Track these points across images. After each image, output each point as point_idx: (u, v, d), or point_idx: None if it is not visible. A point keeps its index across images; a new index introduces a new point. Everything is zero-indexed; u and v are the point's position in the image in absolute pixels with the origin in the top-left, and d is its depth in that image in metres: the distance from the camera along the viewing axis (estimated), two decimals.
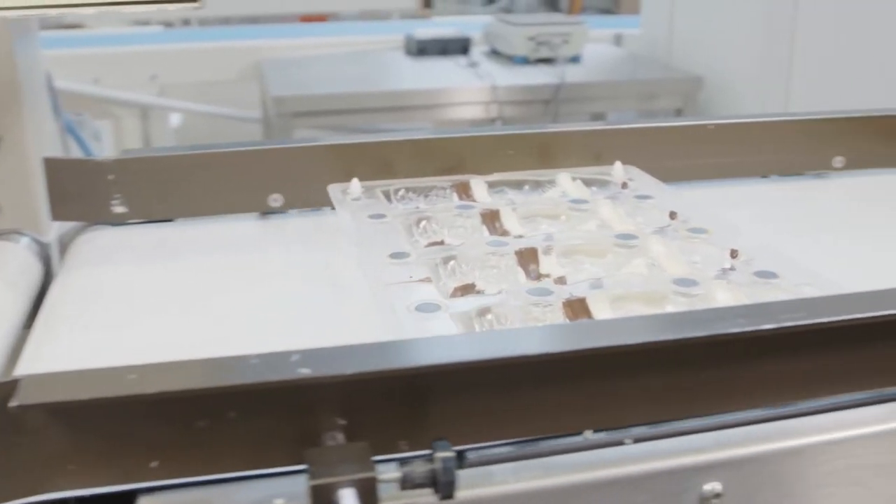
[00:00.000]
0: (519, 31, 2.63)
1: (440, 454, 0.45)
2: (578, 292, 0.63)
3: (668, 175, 0.89)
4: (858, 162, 1.02)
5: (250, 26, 4.16)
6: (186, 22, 4.54)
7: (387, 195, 0.82)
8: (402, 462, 0.46)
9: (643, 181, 0.86)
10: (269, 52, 2.79)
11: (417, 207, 0.79)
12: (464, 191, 0.83)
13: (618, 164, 0.89)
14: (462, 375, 0.47)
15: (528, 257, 0.69)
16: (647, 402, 0.51)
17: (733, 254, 0.69)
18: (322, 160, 0.85)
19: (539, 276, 0.68)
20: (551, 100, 2.40)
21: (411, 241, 0.73)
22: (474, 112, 2.43)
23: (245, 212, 0.86)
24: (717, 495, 0.51)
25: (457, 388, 0.48)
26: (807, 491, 0.54)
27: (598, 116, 2.68)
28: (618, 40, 3.06)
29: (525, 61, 2.63)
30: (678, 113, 2.53)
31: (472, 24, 3.01)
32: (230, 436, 0.47)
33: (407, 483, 0.45)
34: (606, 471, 0.50)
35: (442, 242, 0.74)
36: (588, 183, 0.86)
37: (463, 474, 0.48)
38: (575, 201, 0.81)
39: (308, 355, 0.46)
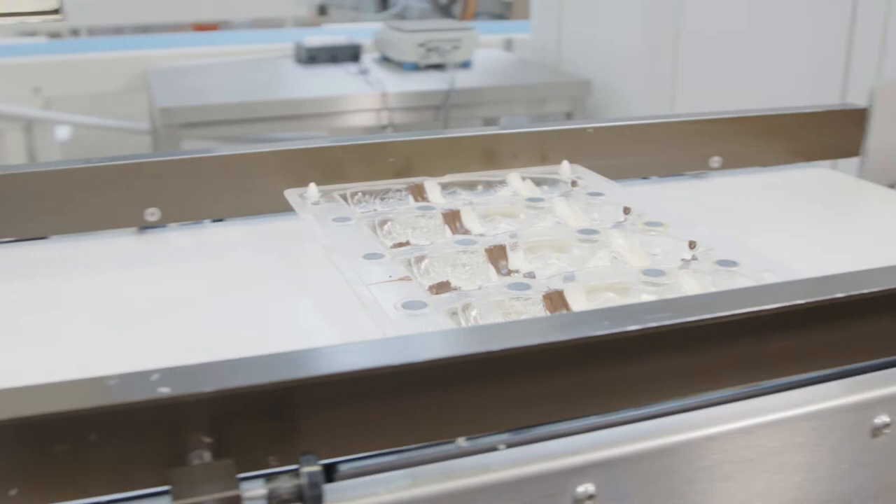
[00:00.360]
0: (408, 38, 2.64)
1: (306, 468, 0.44)
2: (555, 285, 0.65)
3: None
4: (734, 161, 1.05)
5: (141, 36, 4.08)
6: (75, 32, 4.43)
7: (344, 198, 0.83)
8: (269, 478, 0.45)
9: (591, 179, 0.89)
10: (157, 62, 2.74)
11: (375, 210, 0.81)
12: (419, 193, 0.85)
13: (565, 164, 0.92)
14: (330, 387, 0.47)
15: (497, 254, 0.72)
16: (518, 407, 0.51)
17: (691, 245, 0.73)
18: (202, 171, 0.84)
19: (509, 272, 0.71)
20: (442, 105, 2.41)
21: (378, 242, 0.74)
22: (365, 119, 2.42)
23: (121, 227, 0.84)
24: (591, 496, 0.52)
25: (326, 401, 0.47)
26: (679, 487, 0.55)
27: (490, 121, 2.70)
28: (508, 45, 3.09)
29: (415, 68, 2.63)
30: (568, 116, 2.57)
31: (363, 32, 3.00)
32: (92, 459, 0.45)
33: (273, 499, 0.44)
34: (479, 477, 0.50)
35: (407, 243, 0.76)
36: (538, 182, 0.89)
37: (335, 487, 0.47)
38: (531, 199, 0.83)
39: (168, 374, 0.45)
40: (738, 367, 0.54)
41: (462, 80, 2.52)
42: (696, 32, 2.16)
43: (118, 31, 4.68)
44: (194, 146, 2.27)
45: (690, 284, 0.66)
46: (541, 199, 0.84)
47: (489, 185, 0.89)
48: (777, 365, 0.56)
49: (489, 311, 0.63)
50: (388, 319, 0.60)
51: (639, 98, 2.37)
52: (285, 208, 0.83)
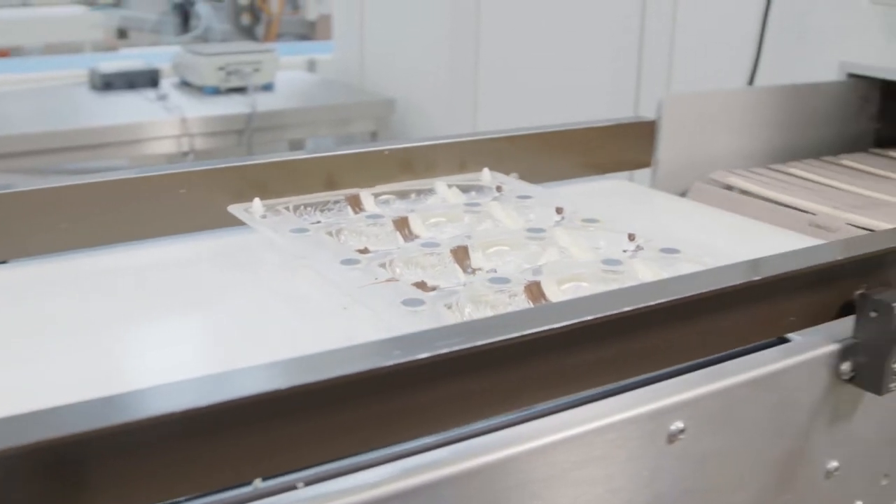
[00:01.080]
0: (208, 61, 2.58)
1: None
2: (532, 277, 0.71)
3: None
4: (533, 176, 1.07)
5: None
6: None
7: (288, 211, 0.86)
8: None
9: (514, 184, 0.96)
10: None
11: (319, 221, 0.85)
12: (356, 203, 0.89)
13: (486, 171, 0.99)
14: (105, 440, 0.44)
15: (461, 255, 0.77)
16: (315, 442, 0.49)
17: (631, 237, 0.81)
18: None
19: (473, 271, 0.76)
20: (244, 129, 2.37)
21: (345, 249, 0.78)
22: (166, 146, 2.35)
23: None
24: None
25: (104, 452, 0.44)
26: None
27: (296, 144, 2.67)
28: (311, 66, 3.07)
29: (216, 91, 2.58)
30: (373, 136, 2.57)
31: (161, 55, 2.92)
32: None
33: None
34: None
35: (366, 250, 0.80)
36: (464, 189, 0.95)
37: None
38: (470, 204, 0.90)
39: None
40: (534, 386, 0.54)
41: (265, 102, 2.48)
42: (495, 52, 2.21)
43: None
44: None
45: (644, 272, 0.73)
46: (478, 204, 0.90)
47: (420, 193, 0.93)
48: (571, 381, 0.56)
49: (477, 306, 0.68)
50: (395, 317, 0.65)
51: (442, 116, 2.40)
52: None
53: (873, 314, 0.67)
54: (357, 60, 2.77)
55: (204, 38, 4.20)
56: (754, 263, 0.65)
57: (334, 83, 2.86)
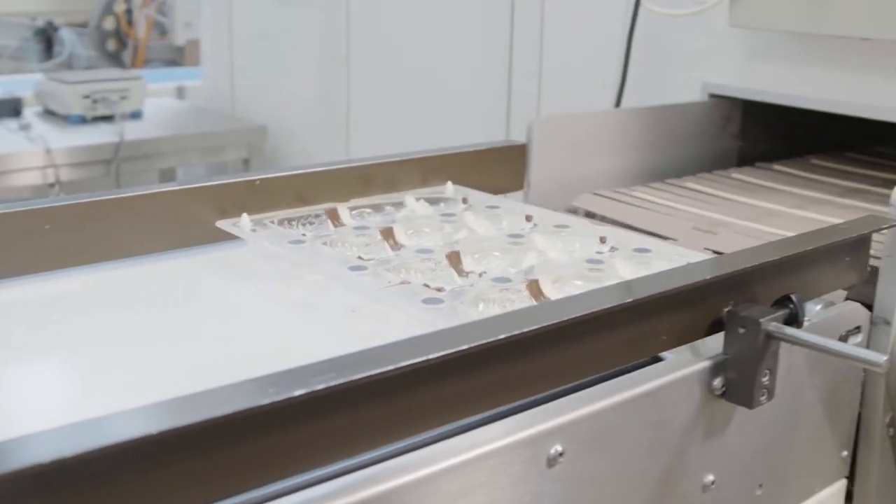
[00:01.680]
0: (72, 90, 2.51)
1: None
2: (530, 276, 0.78)
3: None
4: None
5: None
6: None
7: (275, 225, 0.91)
8: None
9: (476, 196, 1.03)
10: None
11: (304, 234, 0.90)
12: (334, 217, 0.95)
13: (449, 184, 1.05)
14: None
15: (454, 259, 0.83)
16: (191, 485, 0.47)
17: (602, 240, 0.89)
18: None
19: (467, 273, 0.82)
20: (112, 159, 2.31)
21: (347, 257, 0.84)
22: (31, 178, 2.27)
23: None
24: None
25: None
26: None
27: (166, 173, 2.61)
28: (181, 93, 3.01)
29: (82, 120, 2.51)
30: (245, 163, 2.53)
31: (23, 83, 2.82)
32: None
33: None
34: None
35: (360, 258, 0.84)
36: (432, 202, 1.00)
37: None
38: (445, 215, 0.96)
39: None
40: (414, 417, 0.54)
41: (133, 131, 2.42)
42: (366, 77, 2.20)
43: None
44: None
45: (624, 269, 0.81)
46: (452, 214, 0.96)
47: (392, 206, 0.99)
48: (451, 409, 0.56)
49: (486, 304, 0.74)
50: (420, 312, 0.72)
51: (315, 142, 2.38)
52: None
53: (741, 330, 0.69)
54: (227, 86, 2.74)
55: (68, 65, 4.09)
56: (626, 286, 0.66)
57: (204, 110, 2.82)
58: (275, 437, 0.48)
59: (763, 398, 0.70)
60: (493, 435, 0.58)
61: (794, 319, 0.72)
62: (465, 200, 1.02)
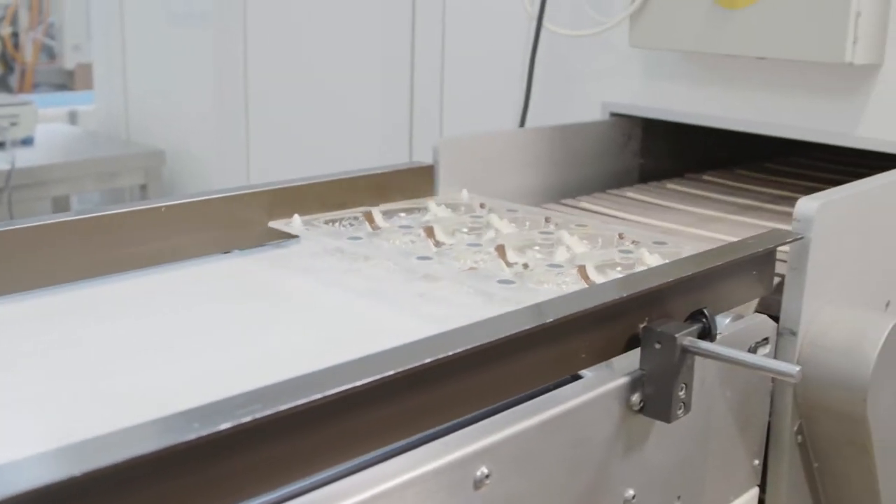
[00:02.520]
0: None
1: None
2: (578, 262, 0.89)
3: (116, 265, 0.88)
4: None
5: None
6: None
7: (324, 225, 1.00)
8: None
9: (494, 202, 1.12)
10: None
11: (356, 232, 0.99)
12: (370, 219, 1.03)
13: (465, 192, 1.15)
14: None
15: (501, 251, 0.92)
16: None
17: (620, 236, 0.99)
18: None
19: (511, 264, 0.90)
20: (4, 188, 2.23)
21: (407, 250, 0.94)
22: None
23: None
24: None
25: None
26: None
27: (60, 201, 2.54)
28: (73, 118, 2.94)
29: None
30: (142, 189, 2.48)
31: None
32: None
33: None
34: None
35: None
36: (451, 207, 1.10)
37: None
38: (474, 217, 1.06)
39: None
40: (339, 445, 0.53)
41: (25, 158, 2.35)
42: (265, 100, 2.18)
43: None
44: None
45: (649, 258, 0.91)
46: (480, 217, 1.06)
47: (418, 210, 1.08)
48: (376, 436, 0.55)
49: (548, 284, 0.84)
50: (499, 290, 0.82)
51: (215, 167, 2.35)
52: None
53: (657, 345, 0.70)
54: (121, 111, 2.68)
55: None
56: (542, 307, 0.66)
57: (98, 135, 2.75)
58: (199, 473, 0.47)
59: (680, 412, 0.71)
60: (419, 459, 0.57)
61: (707, 333, 0.73)
62: (482, 205, 1.11)
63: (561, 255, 0.93)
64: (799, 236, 0.84)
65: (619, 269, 0.89)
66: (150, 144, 2.55)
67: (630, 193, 1.33)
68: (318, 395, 0.49)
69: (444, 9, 1.66)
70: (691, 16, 1.19)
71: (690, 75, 1.31)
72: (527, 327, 0.62)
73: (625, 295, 0.68)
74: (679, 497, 0.79)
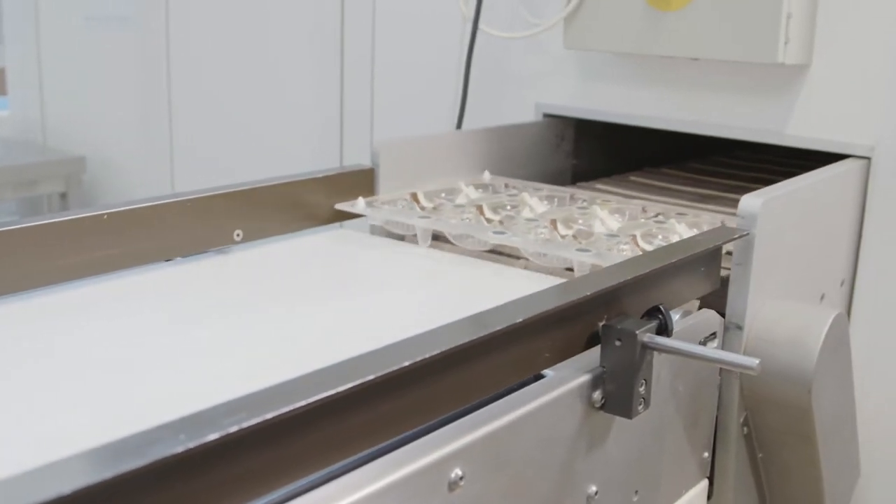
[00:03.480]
0: None
1: None
2: (629, 232, 1.03)
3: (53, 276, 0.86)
4: (257, 232, 1.04)
5: None
6: None
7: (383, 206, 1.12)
8: None
9: (517, 182, 1.26)
10: None
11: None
12: (415, 199, 1.14)
13: (486, 173, 1.28)
14: None
15: (553, 224, 1.04)
16: None
17: (644, 209, 1.13)
18: None
19: (563, 236, 1.02)
20: None
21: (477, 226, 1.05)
22: None
23: None
24: None
25: None
26: None
27: None
28: None
29: None
30: (63, 197, 2.42)
31: None
32: None
33: None
34: None
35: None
36: (478, 187, 1.22)
37: None
38: (509, 195, 1.18)
39: None
40: (314, 453, 0.53)
41: None
42: (189, 105, 2.15)
43: None
44: None
45: (677, 226, 1.04)
46: (514, 195, 1.18)
47: (451, 192, 1.19)
48: (351, 442, 0.55)
49: (613, 250, 0.97)
50: (579, 257, 0.93)
51: (138, 174, 2.30)
52: None
53: (618, 343, 0.71)
54: (38, 117, 2.61)
55: None
56: (508, 308, 0.67)
57: (14, 142, 2.68)
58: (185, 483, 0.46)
59: (640, 407, 0.72)
60: (392, 464, 0.57)
61: (664, 329, 0.74)
62: (506, 185, 1.24)
63: (598, 227, 1.05)
64: (745, 232, 0.86)
65: (659, 237, 1.01)
66: (70, 151, 2.49)
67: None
68: (304, 402, 0.49)
69: (373, 10, 1.65)
70: (625, 18, 1.21)
71: (622, 76, 1.33)
72: (497, 328, 0.62)
73: (590, 293, 0.69)
74: (636, 491, 0.81)
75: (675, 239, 0.99)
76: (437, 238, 1.07)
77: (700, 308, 0.91)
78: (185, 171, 2.17)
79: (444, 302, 0.90)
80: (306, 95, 1.86)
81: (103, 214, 0.91)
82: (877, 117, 1.14)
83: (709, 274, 0.87)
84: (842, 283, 1.16)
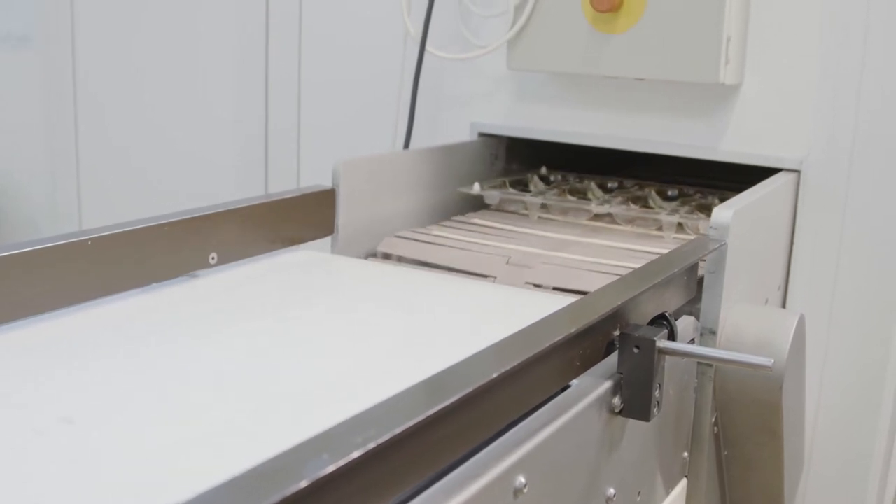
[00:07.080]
0: None
1: None
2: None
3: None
4: (229, 255, 1.05)
5: None
6: None
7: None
8: None
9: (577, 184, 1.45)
10: None
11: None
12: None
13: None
14: None
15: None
16: None
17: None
18: None
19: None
20: None
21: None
22: None
23: None
24: None
25: None
26: None
27: None
28: None
29: None
30: None
31: None
32: None
33: None
34: None
35: None
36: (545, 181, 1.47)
37: None
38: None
39: None
40: (409, 469, 0.55)
41: None
42: (98, 130, 2.09)
43: None
44: None
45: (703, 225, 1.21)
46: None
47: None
48: (438, 456, 0.57)
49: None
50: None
51: (44, 204, 2.23)
52: None
53: (636, 350, 0.75)
54: None
55: None
56: (550, 323, 0.70)
57: None
58: None
59: (656, 410, 0.77)
60: (468, 475, 0.60)
61: (671, 336, 0.79)
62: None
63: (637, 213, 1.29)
64: (723, 242, 0.92)
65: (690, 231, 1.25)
66: None
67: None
68: (415, 420, 0.51)
69: (300, 31, 1.66)
70: (570, 40, 1.26)
71: (555, 95, 1.39)
72: (550, 343, 0.65)
73: (617, 305, 0.73)
74: (639, 492, 0.85)
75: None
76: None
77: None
78: (93, 200, 2.12)
79: (419, 317, 0.92)
80: (227, 119, 1.85)
81: (87, 240, 0.90)
82: (805, 132, 1.23)
83: (688, 283, 0.93)
84: (778, 288, 1.24)
